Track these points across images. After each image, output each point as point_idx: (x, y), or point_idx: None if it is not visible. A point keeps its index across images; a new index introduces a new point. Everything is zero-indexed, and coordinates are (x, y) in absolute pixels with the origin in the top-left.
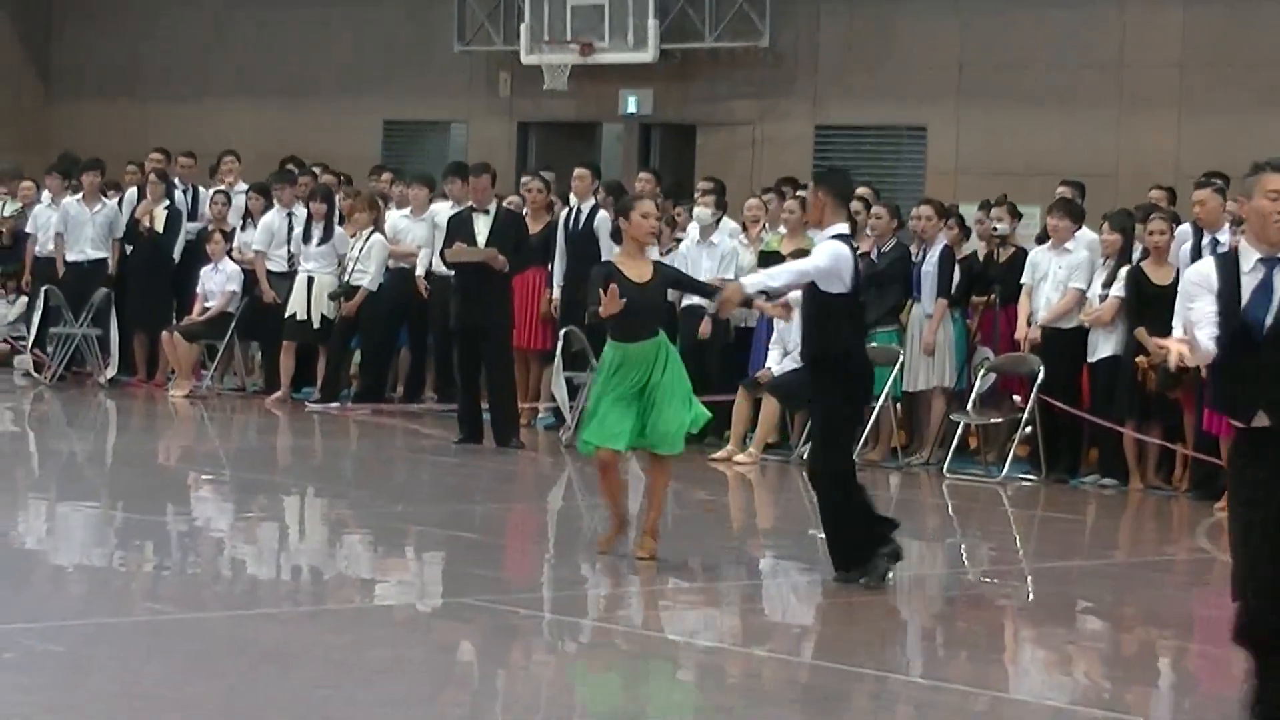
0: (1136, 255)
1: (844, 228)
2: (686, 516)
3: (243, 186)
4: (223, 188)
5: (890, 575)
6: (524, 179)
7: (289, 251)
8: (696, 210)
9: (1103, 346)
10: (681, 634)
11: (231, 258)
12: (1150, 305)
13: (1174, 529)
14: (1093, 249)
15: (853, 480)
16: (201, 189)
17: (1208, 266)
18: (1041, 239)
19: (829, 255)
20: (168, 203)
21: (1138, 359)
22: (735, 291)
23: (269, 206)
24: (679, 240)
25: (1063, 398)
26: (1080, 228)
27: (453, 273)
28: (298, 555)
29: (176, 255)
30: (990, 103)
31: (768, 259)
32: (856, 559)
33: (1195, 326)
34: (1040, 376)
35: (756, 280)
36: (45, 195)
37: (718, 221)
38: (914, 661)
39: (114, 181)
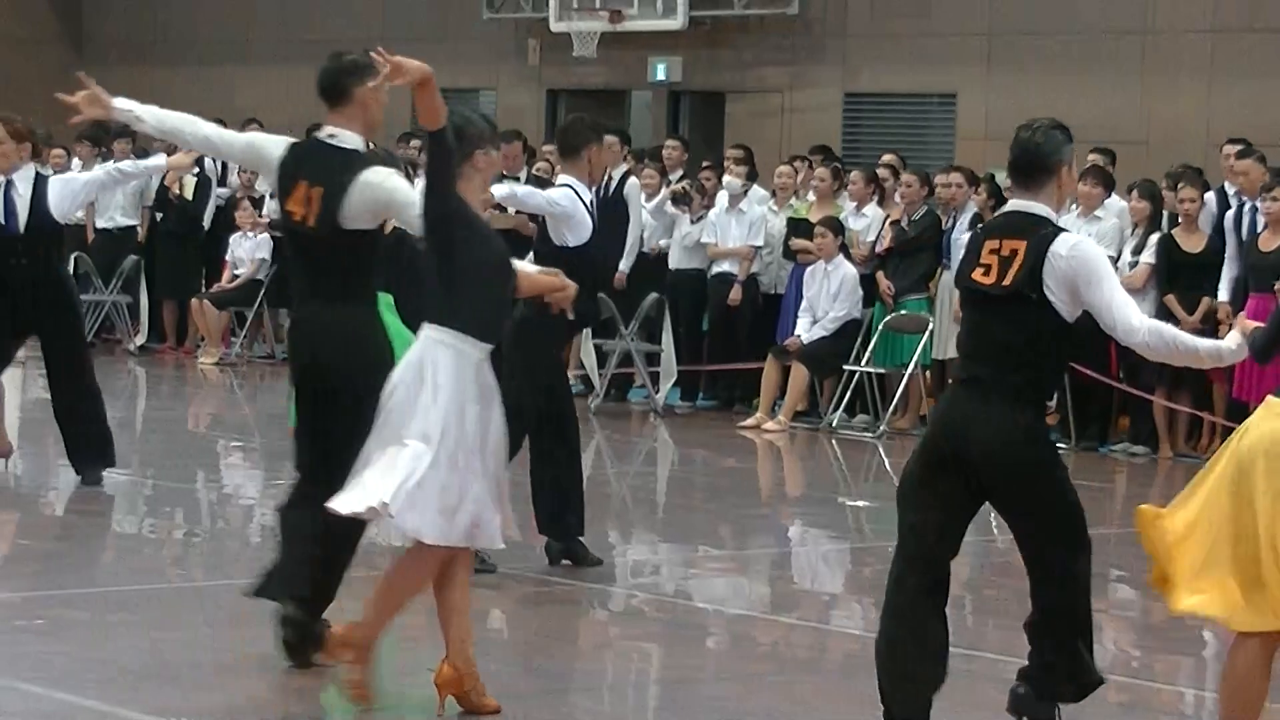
0: (1166, 222)
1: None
2: (716, 484)
3: None
4: None
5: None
6: (547, 148)
7: None
8: (726, 178)
9: None
10: (710, 601)
11: (260, 225)
12: (1180, 272)
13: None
14: (1122, 216)
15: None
16: None
17: None
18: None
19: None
20: (197, 170)
21: None
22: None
23: None
24: (709, 208)
25: (1092, 365)
26: (1110, 195)
27: None
28: None
29: (206, 223)
30: (1020, 69)
31: (796, 226)
32: None
33: None
34: None
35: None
36: (75, 163)
37: (746, 190)
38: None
39: (143, 149)
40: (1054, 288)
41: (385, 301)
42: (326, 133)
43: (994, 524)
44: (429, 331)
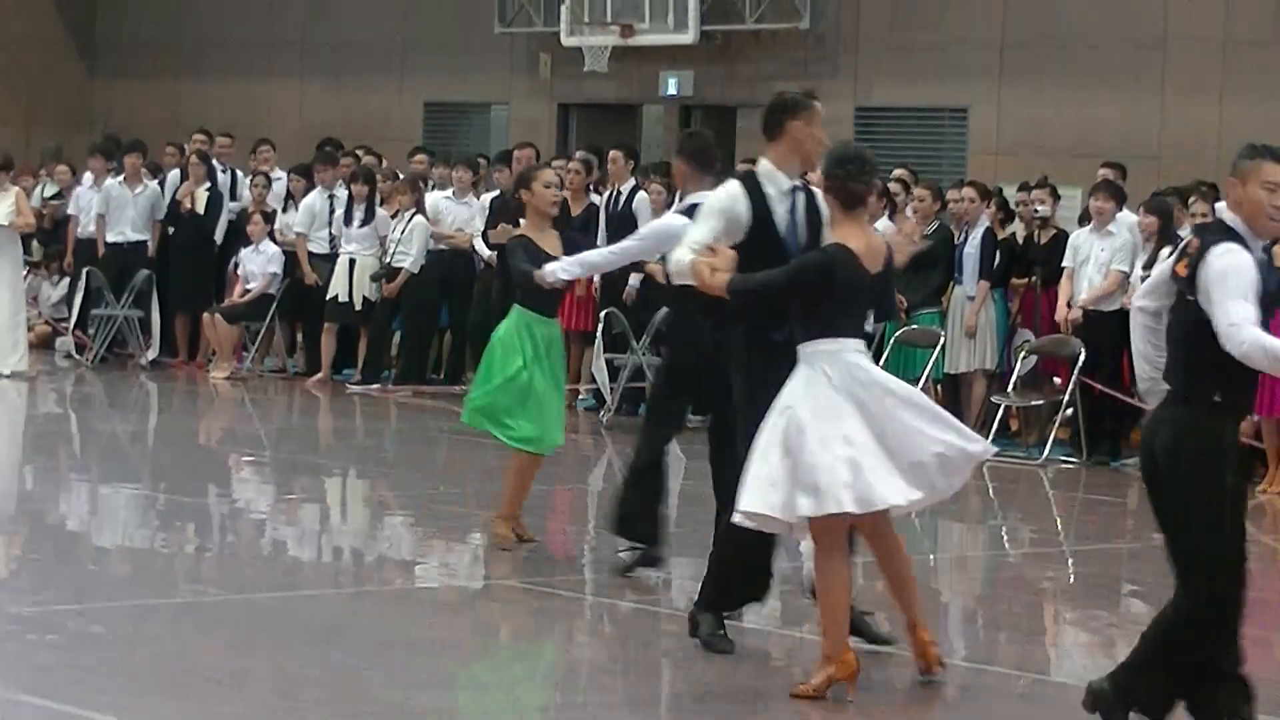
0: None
1: (702, 197)
2: None
3: (279, 173)
4: (263, 169)
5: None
6: (555, 163)
7: (330, 233)
8: None
9: None
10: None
11: (273, 239)
12: None
13: None
14: (1135, 231)
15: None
16: (239, 172)
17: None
18: (1084, 221)
19: (640, 236)
20: (209, 184)
21: None
22: (548, 276)
23: (310, 188)
24: None
25: (1104, 380)
26: (1122, 210)
27: (494, 254)
28: (339, 536)
29: (218, 237)
30: (1032, 83)
31: None
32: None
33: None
34: (1081, 358)
35: (568, 266)
36: (87, 177)
37: None
38: (955, 644)
39: (155, 163)
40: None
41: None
42: (762, 167)
43: (1005, 538)
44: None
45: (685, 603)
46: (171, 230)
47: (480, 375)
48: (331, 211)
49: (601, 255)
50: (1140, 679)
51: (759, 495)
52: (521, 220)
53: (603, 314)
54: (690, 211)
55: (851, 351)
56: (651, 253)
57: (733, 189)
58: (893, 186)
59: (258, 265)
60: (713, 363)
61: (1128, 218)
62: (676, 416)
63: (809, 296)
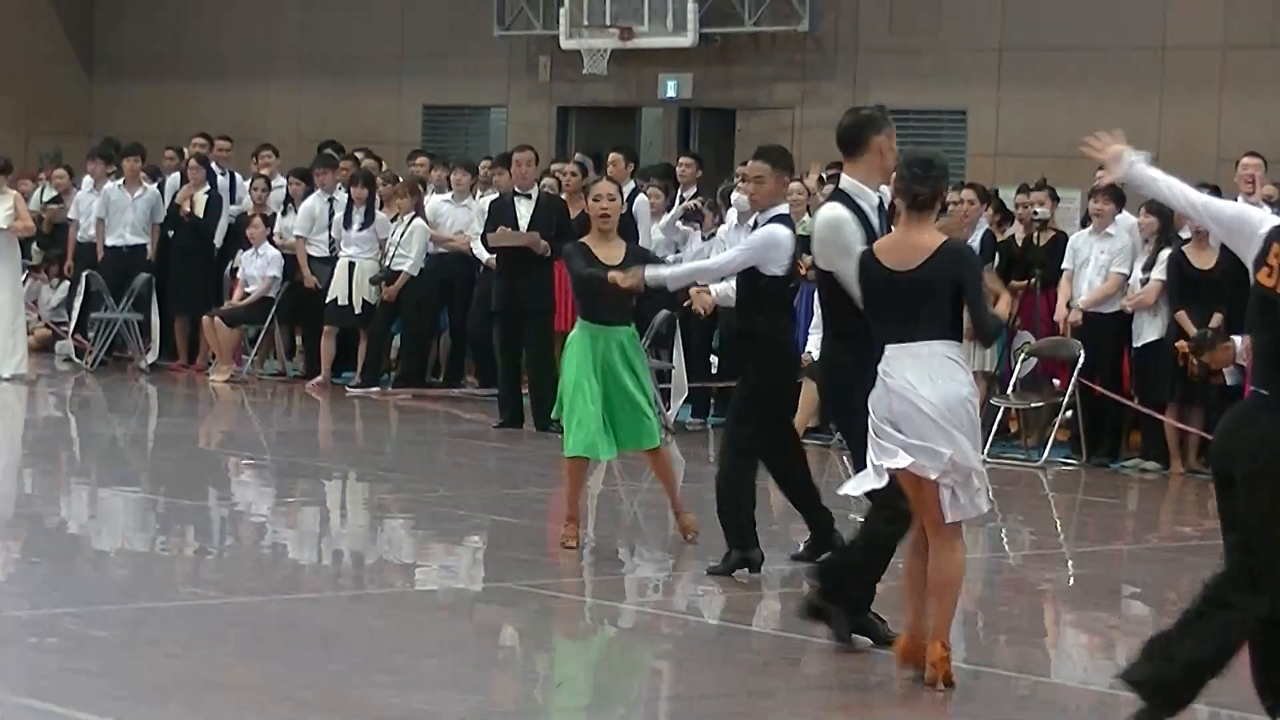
0: (1186, 236)
1: (784, 208)
2: None
3: (280, 181)
4: (264, 173)
5: (737, 574)
6: (554, 166)
7: (330, 236)
8: (735, 195)
9: (1147, 331)
10: (721, 618)
11: (272, 243)
12: (1192, 289)
13: (1214, 513)
14: (1134, 233)
15: (751, 460)
16: (238, 176)
17: None
18: (1084, 223)
19: (745, 247)
20: (208, 188)
21: (1178, 343)
22: (632, 278)
23: (310, 191)
24: (721, 225)
25: (1103, 382)
26: (1121, 211)
27: (493, 257)
28: (339, 539)
29: (218, 240)
30: (1030, 86)
31: (807, 243)
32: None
33: None
34: (1081, 360)
35: (658, 273)
36: (87, 181)
37: None
38: (956, 645)
39: (154, 167)
40: None
41: None
42: (848, 184)
43: (1005, 540)
44: None
45: (685, 604)
46: (171, 234)
47: None
48: (331, 215)
49: (707, 266)
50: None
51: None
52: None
53: None
54: (781, 220)
55: (889, 360)
56: (756, 263)
57: (843, 214)
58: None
59: (257, 268)
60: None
61: (1127, 219)
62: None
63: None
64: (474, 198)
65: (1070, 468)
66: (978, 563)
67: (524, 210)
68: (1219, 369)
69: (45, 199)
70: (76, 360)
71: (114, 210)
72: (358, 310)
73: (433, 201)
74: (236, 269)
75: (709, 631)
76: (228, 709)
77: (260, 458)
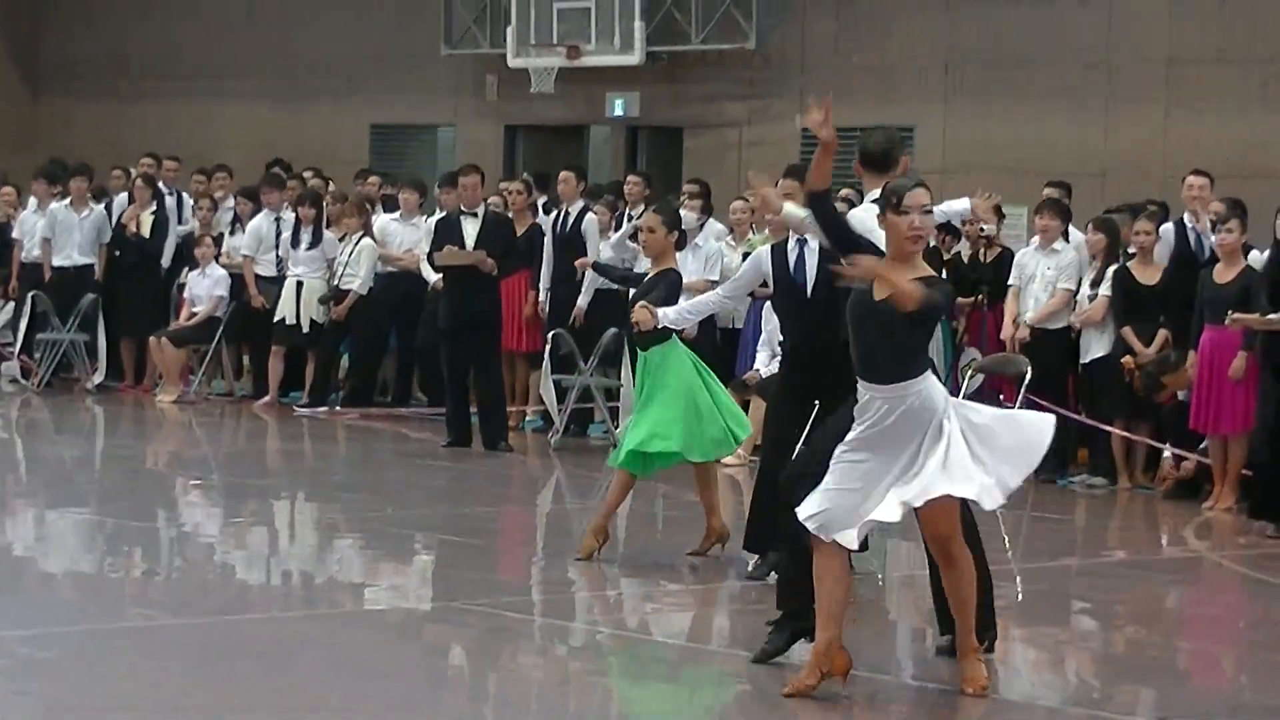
0: (1131, 251)
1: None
2: (676, 518)
3: (229, 201)
4: (216, 195)
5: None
6: (502, 184)
7: (277, 256)
8: (682, 212)
9: (1095, 347)
10: (671, 636)
11: (219, 263)
12: (1137, 304)
13: (1161, 528)
14: (1081, 249)
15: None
16: (185, 195)
17: None
18: (1030, 239)
19: (733, 280)
20: (155, 208)
21: (1123, 359)
22: (646, 318)
23: (257, 210)
24: None
25: (1051, 398)
26: (1068, 228)
27: (440, 276)
28: (288, 559)
29: (166, 260)
30: (977, 102)
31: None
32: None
33: None
34: (1028, 377)
35: (672, 315)
36: (31, 201)
37: (702, 225)
38: (905, 662)
39: (101, 187)
40: None
41: None
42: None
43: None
44: None
45: (636, 622)
46: (118, 254)
47: None
48: (279, 234)
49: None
50: None
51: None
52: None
53: (550, 335)
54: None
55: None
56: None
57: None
58: (840, 207)
59: (204, 288)
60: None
61: (1074, 236)
62: None
63: None
64: (423, 217)
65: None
66: (927, 579)
67: (470, 229)
68: (1173, 390)
69: None
70: (22, 381)
71: (61, 230)
72: (306, 329)
73: (381, 220)
74: (184, 288)
75: (659, 650)
76: None
77: (208, 478)
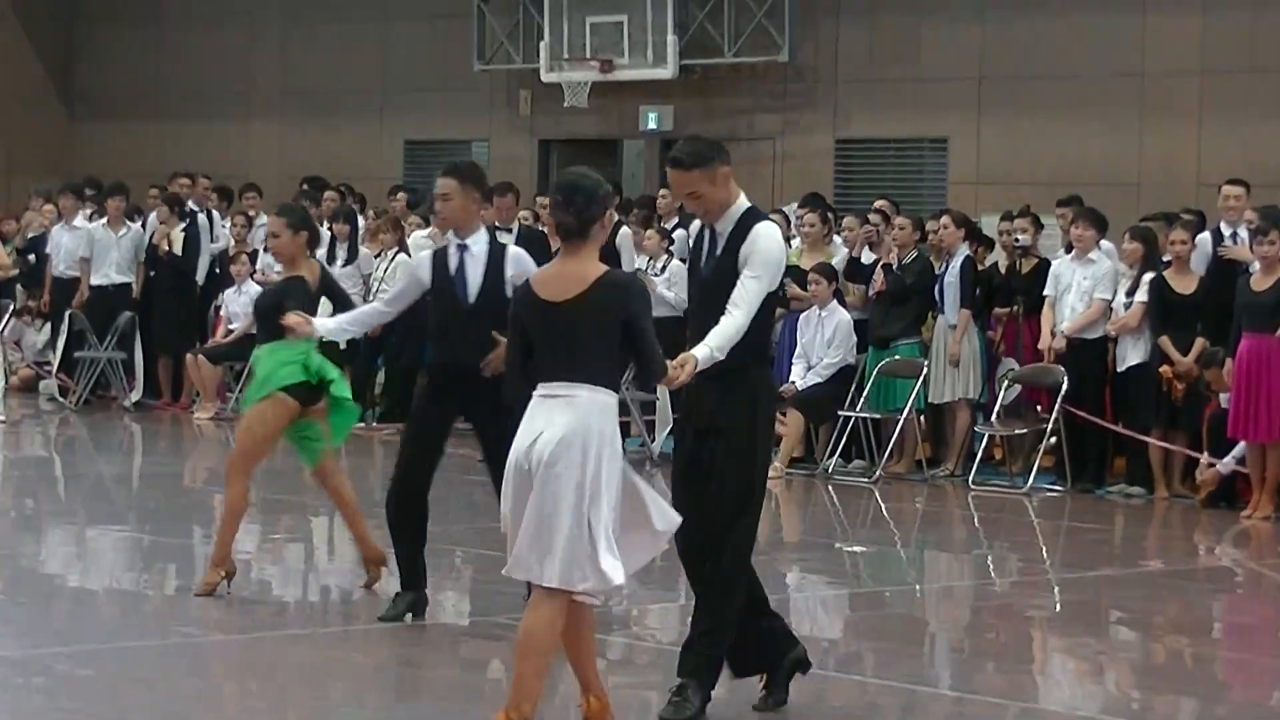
0: (1167, 259)
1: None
2: None
3: (263, 219)
4: (249, 212)
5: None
6: (538, 198)
7: None
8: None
9: (1131, 355)
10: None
11: (255, 279)
12: (1173, 314)
13: (1200, 537)
14: (1115, 258)
15: None
16: (216, 213)
17: None
18: (1067, 249)
19: (393, 289)
20: (184, 224)
21: (1161, 368)
22: (301, 325)
23: None
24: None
25: (1087, 408)
26: (1103, 237)
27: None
28: (325, 575)
29: (200, 278)
30: (1011, 113)
31: (789, 273)
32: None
33: None
34: (1064, 387)
35: (331, 326)
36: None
37: None
38: (942, 674)
39: (136, 206)
40: None
41: None
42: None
43: (991, 567)
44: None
45: (672, 638)
46: (152, 273)
47: None
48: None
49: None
50: None
51: None
52: None
53: None
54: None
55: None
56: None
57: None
58: (873, 218)
59: (240, 305)
60: None
61: (1109, 246)
62: None
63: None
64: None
65: (1055, 494)
66: (965, 590)
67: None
68: (1216, 391)
69: (30, 236)
70: (60, 400)
71: (99, 250)
72: (342, 346)
73: (415, 237)
74: (220, 306)
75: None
76: None
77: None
